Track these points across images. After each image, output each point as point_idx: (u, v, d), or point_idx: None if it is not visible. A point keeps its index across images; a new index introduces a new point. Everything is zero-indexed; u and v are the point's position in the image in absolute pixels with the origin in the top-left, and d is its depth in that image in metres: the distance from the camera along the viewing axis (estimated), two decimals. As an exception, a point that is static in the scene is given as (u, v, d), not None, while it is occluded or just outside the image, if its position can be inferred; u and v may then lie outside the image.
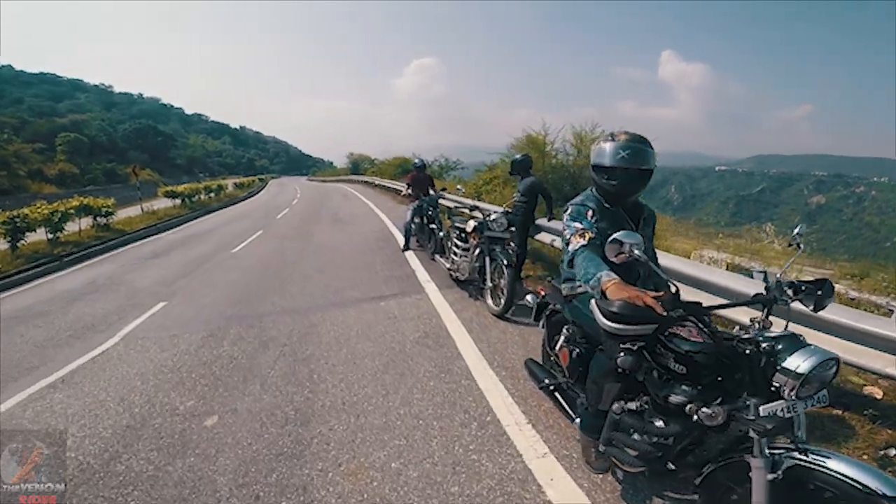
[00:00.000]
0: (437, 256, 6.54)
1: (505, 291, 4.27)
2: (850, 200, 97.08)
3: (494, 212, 4.92)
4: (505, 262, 4.32)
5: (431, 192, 7.92)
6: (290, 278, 6.45)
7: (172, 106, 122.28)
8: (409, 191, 7.85)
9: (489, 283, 4.58)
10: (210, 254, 8.83)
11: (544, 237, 5.82)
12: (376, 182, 26.03)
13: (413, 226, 7.67)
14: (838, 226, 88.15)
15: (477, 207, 5.76)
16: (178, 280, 6.88)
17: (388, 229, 10.22)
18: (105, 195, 17.70)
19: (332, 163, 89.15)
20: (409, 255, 7.33)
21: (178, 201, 19.00)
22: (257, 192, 34.18)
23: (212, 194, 24.06)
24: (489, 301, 4.59)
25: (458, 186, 6.22)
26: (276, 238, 10.27)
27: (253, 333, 4.41)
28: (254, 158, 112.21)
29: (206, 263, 7.92)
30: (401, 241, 8.07)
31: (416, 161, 8.23)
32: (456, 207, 8.77)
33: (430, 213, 7.15)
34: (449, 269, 5.64)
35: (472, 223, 4.89)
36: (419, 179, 7.84)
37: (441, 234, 6.71)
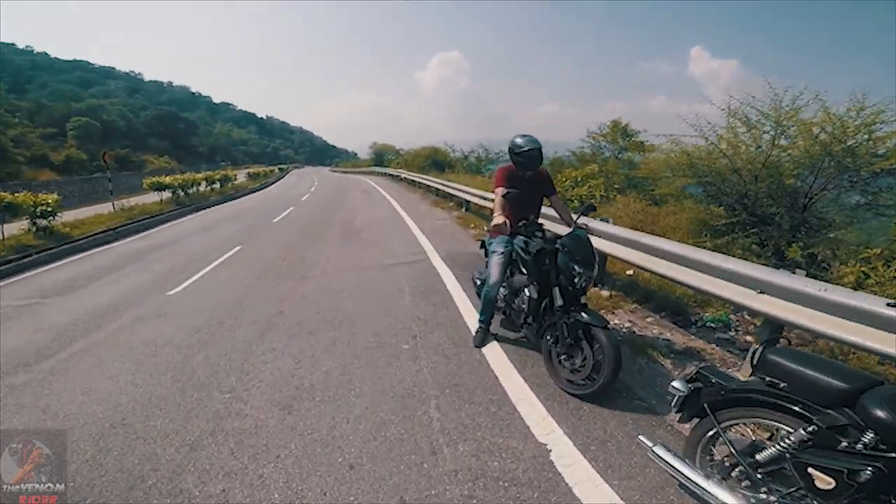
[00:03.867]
0: (639, 434, 1.98)
1: None
2: None
3: None
4: None
5: (555, 217, 3.62)
6: (226, 415, 2.73)
7: (201, 94, 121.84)
8: (502, 212, 3.07)
9: None
10: (136, 296, 5.33)
11: None
12: (402, 175, 22.50)
13: (501, 294, 3.36)
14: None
15: None
16: (33, 364, 3.44)
17: (430, 261, 6.22)
18: (111, 184, 15.58)
19: (356, 153, 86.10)
20: (496, 357, 3.18)
21: (167, 194, 15.87)
22: (272, 183, 31.25)
23: (215, 185, 20.96)
24: None
25: None
26: (251, 265, 6.66)
27: None
28: (279, 148, 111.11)
29: (111, 323, 4.41)
30: (456, 290, 4.41)
31: (518, 141, 3.18)
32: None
33: (574, 277, 2.71)
34: None
35: None
36: (523, 185, 3.20)
37: (614, 338, 2.51)
